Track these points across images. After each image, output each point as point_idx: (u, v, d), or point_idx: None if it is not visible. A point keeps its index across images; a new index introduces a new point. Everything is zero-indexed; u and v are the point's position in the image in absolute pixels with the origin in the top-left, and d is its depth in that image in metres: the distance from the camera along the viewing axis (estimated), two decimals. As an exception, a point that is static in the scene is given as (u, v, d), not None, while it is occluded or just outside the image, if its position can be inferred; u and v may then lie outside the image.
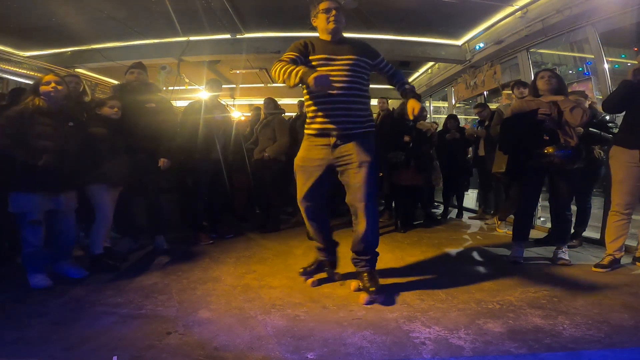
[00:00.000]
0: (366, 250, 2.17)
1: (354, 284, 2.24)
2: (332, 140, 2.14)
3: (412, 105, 2.11)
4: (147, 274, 2.56)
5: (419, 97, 2.20)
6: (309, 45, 2.16)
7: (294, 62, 2.04)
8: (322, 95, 2.09)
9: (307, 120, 2.24)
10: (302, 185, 2.22)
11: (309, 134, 2.23)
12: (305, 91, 2.19)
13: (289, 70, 1.92)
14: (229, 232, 3.76)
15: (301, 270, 2.44)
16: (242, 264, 2.82)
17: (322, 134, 2.17)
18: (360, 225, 2.13)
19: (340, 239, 2.49)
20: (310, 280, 2.36)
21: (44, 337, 1.66)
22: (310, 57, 2.14)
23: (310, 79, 1.82)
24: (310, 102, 2.19)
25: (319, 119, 2.16)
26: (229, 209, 4.44)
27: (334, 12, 2.18)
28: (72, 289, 2.25)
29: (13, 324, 1.80)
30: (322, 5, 2.20)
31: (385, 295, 2.10)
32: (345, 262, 2.35)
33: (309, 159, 2.21)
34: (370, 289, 2.07)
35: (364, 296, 2.08)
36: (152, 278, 2.48)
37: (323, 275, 2.44)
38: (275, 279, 2.47)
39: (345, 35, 2.29)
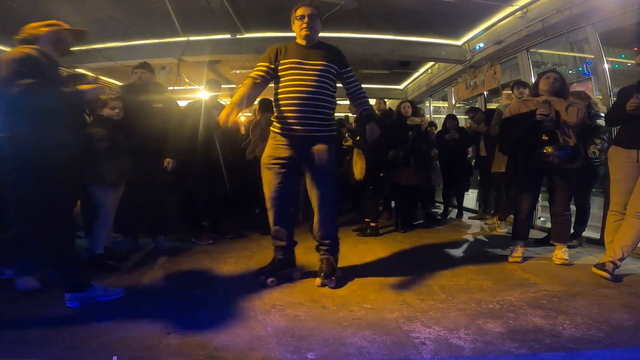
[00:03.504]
0: (325, 238, 2.39)
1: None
2: (298, 143, 2.25)
3: (371, 128, 2.33)
4: (147, 274, 2.57)
5: (376, 121, 2.41)
6: (280, 51, 2.30)
7: (262, 78, 2.27)
8: (290, 98, 2.23)
9: (276, 120, 2.32)
10: (270, 183, 2.30)
11: (276, 132, 2.32)
12: (275, 90, 2.31)
13: (231, 101, 2.17)
14: (229, 232, 3.76)
15: (257, 270, 2.40)
16: (242, 264, 2.82)
17: (288, 134, 2.27)
18: (317, 218, 2.36)
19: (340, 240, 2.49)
20: (269, 280, 2.32)
21: (44, 337, 1.66)
22: (282, 61, 2.27)
23: (221, 117, 2.12)
24: (280, 101, 2.28)
25: (286, 120, 2.26)
26: (229, 209, 4.43)
27: (306, 19, 2.27)
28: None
29: (13, 324, 1.80)
30: (298, 12, 2.31)
31: (336, 282, 2.32)
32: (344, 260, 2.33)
33: (276, 157, 2.29)
34: (321, 274, 2.32)
35: (317, 280, 2.32)
36: (152, 278, 2.48)
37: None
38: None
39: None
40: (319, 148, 2.29)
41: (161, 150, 3.06)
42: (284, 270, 2.43)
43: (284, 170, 2.29)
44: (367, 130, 2.37)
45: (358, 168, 3.77)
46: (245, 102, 2.16)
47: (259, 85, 2.29)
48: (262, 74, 2.28)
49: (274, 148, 2.31)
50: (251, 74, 2.31)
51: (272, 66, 2.29)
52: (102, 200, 2.69)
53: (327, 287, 2.29)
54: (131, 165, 2.78)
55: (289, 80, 2.24)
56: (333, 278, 2.32)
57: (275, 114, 2.34)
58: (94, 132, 2.65)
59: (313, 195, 2.35)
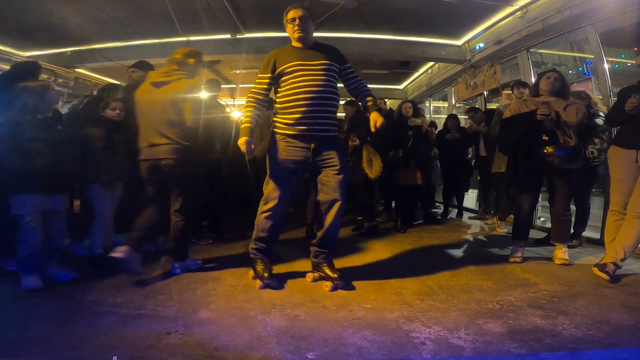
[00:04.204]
0: (330, 244, 2.38)
1: (309, 275, 2.42)
2: (311, 144, 2.24)
3: (375, 118, 2.24)
4: (147, 274, 2.56)
5: (381, 112, 2.39)
6: (278, 58, 2.30)
7: (266, 91, 2.31)
8: (299, 99, 2.21)
9: (283, 123, 2.27)
10: (281, 186, 2.29)
11: (285, 134, 2.27)
12: (280, 93, 2.30)
13: (242, 122, 2.27)
14: (229, 232, 3.76)
15: (266, 279, 2.29)
16: (242, 264, 2.81)
17: (302, 136, 2.24)
18: (330, 221, 2.31)
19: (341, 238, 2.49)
20: (275, 283, 2.31)
21: (44, 337, 1.66)
22: (283, 66, 2.26)
23: (241, 143, 2.19)
24: (288, 104, 2.25)
25: (298, 121, 2.22)
26: (228, 208, 4.43)
27: (297, 21, 2.27)
28: (73, 289, 2.25)
29: (13, 324, 1.80)
30: (289, 15, 2.31)
31: (346, 282, 2.28)
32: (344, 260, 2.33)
33: (288, 160, 2.26)
34: (333, 276, 2.27)
35: (327, 284, 2.25)
36: (152, 278, 2.48)
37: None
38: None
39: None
40: (334, 148, 2.28)
41: None
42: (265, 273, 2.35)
43: (297, 173, 2.30)
44: (371, 119, 2.26)
45: (376, 167, 3.64)
46: (255, 123, 2.31)
47: (263, 101, 2.33)
48: (265, 86, 2.31)
49: (286, 150, 2.26)
50: (253, 89, 2.32)
51: (273, 76, 2.30)
52: (98, 200, 2.70)
53: (339, 289, 2.23)
54: (127, 165, 2.76)
55: (296, 82, 2.22)
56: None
57: (280, 116, 2.29)
58: (91, 132, 2.66)
59: (327, 198, 2.29)
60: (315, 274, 2.41)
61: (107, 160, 2.66)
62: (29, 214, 2.25)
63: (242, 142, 2.21)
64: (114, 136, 2.70)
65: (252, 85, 2.36)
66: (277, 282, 2.32)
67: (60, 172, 2.36)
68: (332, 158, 2.27)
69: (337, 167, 2.27)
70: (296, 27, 2.27)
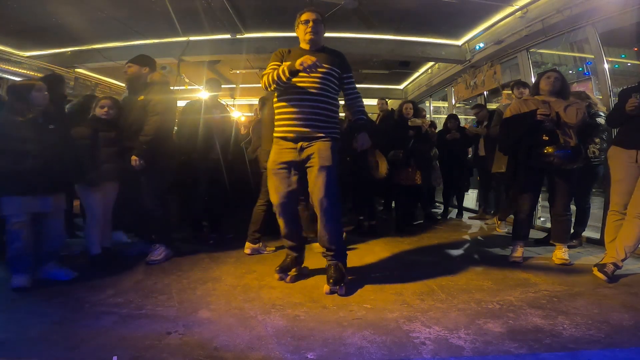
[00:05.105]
0: (328, 246, 2.30)
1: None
2: (299, 144, 2.26)
3: (362, 141, 2.40)
4: (147, 274, 2.57)
5: (370, 131, 2.45)
6: (284, 54, 2.35)
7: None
8: (290, 100, 2.25)
9: (276, 124, 2.35)
10: (276, 187, 2.33)
11: (277, 137, 2.35)
12: (275, 98, 2.36)
13: (276, 73, 2.19)
14: (229, 232, 3.76)
15: (277, 268, 2.50)
16: (242, 264, 2.82)
17: (287, 137, 2.29)
18: (320, 222, 2.28)
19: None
20: (288, 277, 2.46)
21: (44, 337, 1.66)
22: (283, 64, 2.25)
23: (297, 63, 2.06)
24: (278, 106, 2.32)
25: (285, 123, 2.28)
26: (229, 208, 4.43)
27: (311, 23, 2.31)
28: (73, 289, 2.25)
29: (13, 323, 1.80)
30: (303, 17, 2.34)
31: (346, 288, 2.21)
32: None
33: (279, 162, 2.32)
34: (329, 281, 2.22)
35: (326, 287, 2.22)
36: (152, 278, 2.49)
37: (293, 272, 2.52)
38: (275, 279, 2.47)
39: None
40: (319, 147, 2.25)
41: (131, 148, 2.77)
42: (297, 267, 2.54)
43: (288, 175, 2.30)
44: (358, 140, 2.42)
45: (382, 169, 3.65)
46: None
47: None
48: (275, 68, 2.28)
49: (278, 153, 2.33)
50: (266, 72, 2.30)
51: (281, 63, 2.28)
52: (88, 200, 2.69)
53: (335, 293, 2.18)
54: (117, 164, 2.73)
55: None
56: (342, 285, 2.21)
57: (276, 117, 2.34)
58: (76, 131, 2.63)
59: (314, 196, 2.27)
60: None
61: (92, 159, 2.61)
62: (15, 216, 2.23)
63: (305, 57, 2.06)
64: (100, 134, 2.66)
65: (265, 71, 2.33)
66: (291, 279, 2.46)
67: (50, 173, 2.30)
68: (313, 158, 2.26)
69: (316, 166, 2.23)
70: (309, 29, 2.30)
